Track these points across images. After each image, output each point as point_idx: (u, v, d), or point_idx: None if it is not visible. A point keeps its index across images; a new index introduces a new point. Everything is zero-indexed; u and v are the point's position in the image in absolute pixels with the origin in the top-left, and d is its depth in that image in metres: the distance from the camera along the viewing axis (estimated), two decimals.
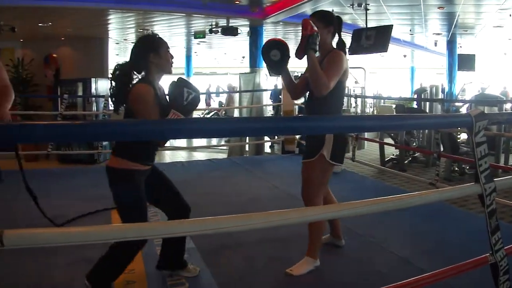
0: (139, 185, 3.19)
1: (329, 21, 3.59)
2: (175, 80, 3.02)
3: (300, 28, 3.28)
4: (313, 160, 3.57)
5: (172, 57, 3.24)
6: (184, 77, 3.13)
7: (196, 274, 3.60)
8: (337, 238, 4.17)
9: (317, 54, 3.40)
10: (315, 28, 3.25)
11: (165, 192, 3.55)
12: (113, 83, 3.19)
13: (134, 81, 3.18)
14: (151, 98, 3.02)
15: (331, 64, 3.41)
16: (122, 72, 3.15)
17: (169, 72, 3.24)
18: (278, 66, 3.50)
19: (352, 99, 15.67)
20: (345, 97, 15.98)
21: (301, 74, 3.90)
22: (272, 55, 3.43)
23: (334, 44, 3.72)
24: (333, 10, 3.81)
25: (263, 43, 3.61)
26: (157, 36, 3.24)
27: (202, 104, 20.87)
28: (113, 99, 3.21)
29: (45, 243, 1.63)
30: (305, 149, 3.87)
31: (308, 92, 3.77)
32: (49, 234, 1.63)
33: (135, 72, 3.18)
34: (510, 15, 10.52)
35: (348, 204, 2.03)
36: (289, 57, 3.50)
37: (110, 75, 3.26)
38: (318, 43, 3.30)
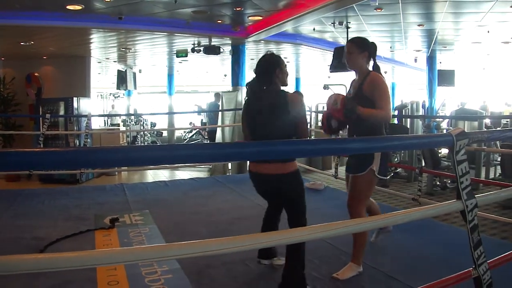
0: None
1: (364, 47, 3.95)
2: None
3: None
4: (363, 175, 3.87)
5: (288, 73, 3.85)
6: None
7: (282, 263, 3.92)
8: (383, 228, 4.47)
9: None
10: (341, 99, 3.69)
11: None
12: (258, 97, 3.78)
13: None
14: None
15: (381, 92, 3.78)
16: (254, 88, 3.80)
17: (287, 84, 3.82)
18: (339, 129, 3.96)
19: None
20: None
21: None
22: (332, 124, 3.86)
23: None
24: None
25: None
26: (279, 55, 3.84)
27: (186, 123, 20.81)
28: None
29: (37, 269, 1.63)
30: (352, 163, 4.07)
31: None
32: (41, 260, 1.64)
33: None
34: (488, 32, 10.71)
35: (332, 225, 2.06)
36: (346, 124, 3.91)
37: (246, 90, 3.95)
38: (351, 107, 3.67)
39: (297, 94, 3.74)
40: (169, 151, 1.77)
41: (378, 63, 4.03)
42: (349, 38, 4.12)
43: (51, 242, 4.72)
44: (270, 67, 3.72)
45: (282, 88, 3.78)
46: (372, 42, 4.05)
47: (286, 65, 3.81)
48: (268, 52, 3.87)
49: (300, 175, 3.75)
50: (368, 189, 3.96)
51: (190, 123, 19.34)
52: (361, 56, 3.91)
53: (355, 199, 3.94)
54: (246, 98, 3.98)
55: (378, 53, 4.06)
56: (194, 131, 17.60)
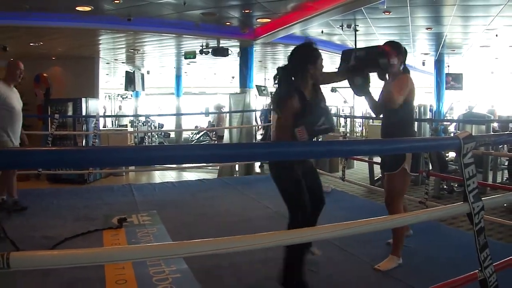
0: (298, 172, 3.49)
1: (399, 51, 4.09)
2: (322, 105, 3.46)
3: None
4: (396, 173, 4.04)
5: (323, 67, 3.55)
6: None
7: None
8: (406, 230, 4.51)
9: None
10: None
11: (310, 183, 3.67)
12: (276, 87, 3.53)
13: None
14: (292, 104, 3.33)
15: (399, 84, 3.98)
16: (283, 77, 3.50)
17: (318, 80, 3.56)
18: (361, 89, 3.92)
19: (342, 119, 15.81)
20: (335, 117, 16.14)
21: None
22: (355, 80, 3.83)
23: None
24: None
25: None
26: (316, 47, 3.54)
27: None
28: (276, 101, 3.61)
29: (51, 264, 1.65)
30: (386, 162, 4.26)
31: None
32: (54, 256, 1.66)
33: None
34: (497, 35, 10.70)
35: (342, 225, 2.08)
36: (370, 81, 3.88)
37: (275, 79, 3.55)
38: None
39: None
40: (180, 151, 1.79)
41: None
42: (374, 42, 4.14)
43: (60, 241, 4.74)
44: (302, 62, 3.45)
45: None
46: (403, 46, 4.21)
47: (322, 59, 3.53)
48: (306, 41, 3.60)
49: (283, 170, 3.52)
50: (402, 186, 4.13)
51: (196, 127, 19.44)
52: (397, 58, 4.04)
53: (391, 196, 4.12)
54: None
55: None
56: (201, 133, 17.64)
